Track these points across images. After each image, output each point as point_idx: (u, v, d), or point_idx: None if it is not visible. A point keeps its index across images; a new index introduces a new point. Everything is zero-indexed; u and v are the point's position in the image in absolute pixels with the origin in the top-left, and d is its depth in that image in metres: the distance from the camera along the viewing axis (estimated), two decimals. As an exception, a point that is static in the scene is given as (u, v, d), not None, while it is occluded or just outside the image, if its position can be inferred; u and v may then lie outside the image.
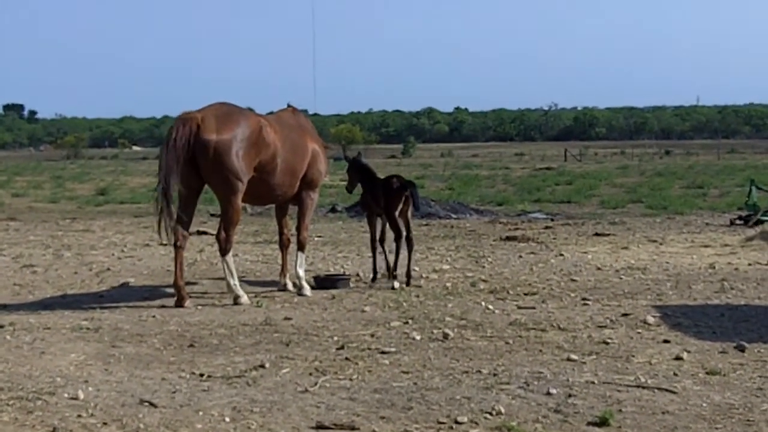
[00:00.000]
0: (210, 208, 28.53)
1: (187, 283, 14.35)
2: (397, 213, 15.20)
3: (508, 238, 21.93)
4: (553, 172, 64.03)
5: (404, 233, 15.25)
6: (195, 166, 13.47)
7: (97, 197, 41.77)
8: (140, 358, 10.28)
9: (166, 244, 14.28)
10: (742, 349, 10.37)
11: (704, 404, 8.33)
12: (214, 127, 13.41)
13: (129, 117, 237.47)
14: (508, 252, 19.52)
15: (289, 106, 15.51)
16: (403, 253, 15.26)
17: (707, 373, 9.39)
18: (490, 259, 18.33)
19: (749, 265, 17.33)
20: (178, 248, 13.62)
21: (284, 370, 9.61)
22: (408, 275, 15.11)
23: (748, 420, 7.86)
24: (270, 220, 24.50)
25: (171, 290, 13.92)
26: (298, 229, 14.96)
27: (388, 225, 15.46)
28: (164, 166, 13.35)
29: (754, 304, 13.37)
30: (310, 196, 15.03)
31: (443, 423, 7.78)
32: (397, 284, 15.01)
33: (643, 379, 9.14)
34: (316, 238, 21.90)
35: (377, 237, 15.70)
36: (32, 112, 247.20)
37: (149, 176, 60.11)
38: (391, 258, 15.41)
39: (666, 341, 10.88)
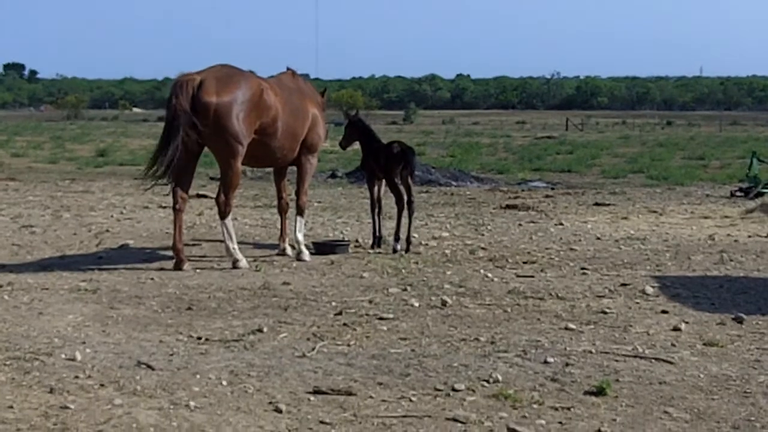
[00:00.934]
0: (209, 171, 28.51)
1: (186, 246, 14.33)
2: (397, 178, 15.21)
3: (508, 207, 21.93)
4: (555, 140, 63.99)
5: (405, 198, 15.23)
6: (195, 128, 13.41)
7: (96, 158, 41.79)
8: (138, 320, 10.27)
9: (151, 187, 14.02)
10: (740, 321, 10.37)
11: (701, 375, 8.33)
12: (215, 90, 13.35)
13: (130, 78, 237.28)
14: (508, 220, 19.50)
15: (288, 69, 15.42)
16: (404, 219, 15.26)
17: (705, 344, 9.39)
18: (489, 227, 18.32)
19: (749, 237, 17.33)
20: (177, 211, 13.60)
21: (282, 335, 9.61)
22: (408, 241, 15.10)
23: (745, 391, 7.86)
24: (270, 184, 24.48)
25: (170, 253, 13.91)
26: (298, 193, 14.93)
27: (387, 189, 15.46)
28: (169, 126, 13.32)
29: (752, 276, 13.36)
30: (310, 161, 14.99)
31: (440, 390, 7.77)
32: (399, 246, 15.03)
33: (640, 349, 9.14)
34: (315, 204, 21.90)
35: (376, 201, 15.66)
36: (33, 72, 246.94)
37: (149, 138, 60.11)
38: (391, 225, 15.42)
39: (664, 312, 10.87)
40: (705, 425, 7.05)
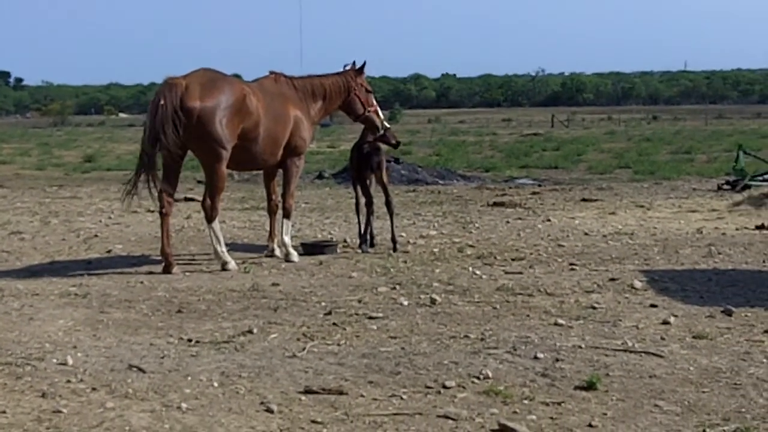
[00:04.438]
0: (197, 175, 28.47)
1: (175, 253, 14.32)
2: (368, 178, 15.26)
3: (495, 204, 21.96)
4: (541, 137, 64.15)
5: (384, 198, 15.28)
6: (178, 133, 13.42)
7: (84, 164, 41.70)
8: (128, 323, 10.27)
9: (152, 211, 14.13)
10: (729, 314, 10.39)
11: (691, 368, 8.35)
12: (198, 95, 13.34)
13: (115, 84, 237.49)
14: (496, 218, 19.53)
15: (271, 73, 15.35)
16: (377, 220, 15.36)
17: (694, 338, 9.41)
18: (477, 225, 18.34)
19: (736, 229, 17.37)
20: (164, 215, 13.61)
21: (272, 336, 9.62)
22: (393, 240, 15.11)
23: (735, 383, 7.88)
24: (257, 186, 24.55)
25: (158, 257, 13.92)
26: (284, 196, 14.91)
27: (379, 188, 15.46)
28: (152, 129, 13.32)
29: (741, 268, 13.40)
30: (295, 164, 14.93)
31: (431, 387, 7.79)
32: (365, 247, 15.08)
33: (630, 344, 9.15)
34: (303, 205, 21.91)
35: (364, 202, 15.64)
36: (18, 80, 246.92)
37: (136, 143, 59.94)
38: (380, 224, 15.44)
39: (653, 306, 10.90)
40: (696, 418, 7.07)
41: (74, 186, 29.80)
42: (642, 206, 21.45)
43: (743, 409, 7.23)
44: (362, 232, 15.34)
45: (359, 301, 11.29)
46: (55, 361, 8.63)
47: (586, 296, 11.49)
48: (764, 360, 8.59)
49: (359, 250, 15.15)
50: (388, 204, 15.31)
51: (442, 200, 23.51)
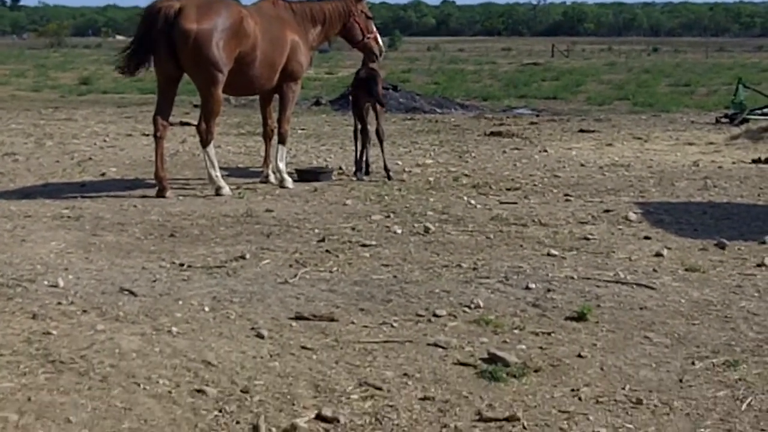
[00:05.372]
0: (193, 99, 28.33)
1: (169, 177, 14.26)
2: (364, 105, 15.15)
3: (492, 134, 21.88)
4: (540, 67, 63.78)
5: (375, 126, 15.17)
6: (174, 55, 13.31)
7: (79, 86, 41.43)
8: (121, 247, 10.26)
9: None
10: (722, 247, 10.39)
11: (682, 300, 8.35)
12: (195, 17, 13.20)
13: (113, 5, 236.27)
14: (492, 147, 19.47)
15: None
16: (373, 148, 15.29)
17: (686, 270, 9.41)
18: (473, 154, 18.29)
19: (733, 163, 17.34)
20: (158, 138, 13.54)
21: (264, 262, 9.62)
22: (386, 169, 15.05)
23: (726, 316, 7.89)
24: (253, 111, 24.41)
25: (152, 180, 13.87)
26: (280, 121, 14.80)
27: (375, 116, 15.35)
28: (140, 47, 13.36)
29: (736, 202, 13.39)
30: (292, 89, 14.81)
31: (422, 316, 7.80)
32: (360, 174, 15.04)
33: (622, 275, 9.16)
34: (299, 131, 21.82)
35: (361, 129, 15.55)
36: (15, 0, 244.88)
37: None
38: (376, 152, 15.36)
39: (647, 238, 10.90)
40: (685, 350, 7.08)
41: (70, 108, 29.62)
42: (639, 138, 21.38)
43: (733, 342, 7.24)
44: (357, 159, 15.29)
45: (353, 229, 11.27)
46: (46, 283, 8.62)
47: (580, 227, 11.48)
48: (756, 294, 8.60)
49: (354, 178, 15.12)
50: (377, 132, 15.16)
51: (440, 129, 23.41)
